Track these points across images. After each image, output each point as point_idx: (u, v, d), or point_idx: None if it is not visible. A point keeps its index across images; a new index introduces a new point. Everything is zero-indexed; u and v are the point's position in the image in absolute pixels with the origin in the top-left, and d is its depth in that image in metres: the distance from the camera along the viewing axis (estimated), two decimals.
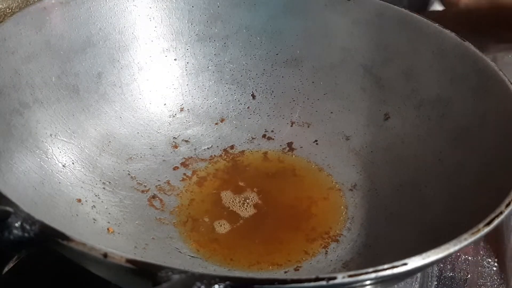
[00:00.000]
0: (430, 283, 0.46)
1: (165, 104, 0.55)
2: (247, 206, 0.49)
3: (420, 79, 0.51)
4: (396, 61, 0.52)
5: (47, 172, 0.44)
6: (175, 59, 0.56)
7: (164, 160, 0.53)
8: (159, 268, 0.27)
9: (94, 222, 0.44)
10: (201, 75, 0.57)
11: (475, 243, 0.49)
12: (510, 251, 0.49)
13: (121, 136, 0.52)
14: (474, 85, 0.46)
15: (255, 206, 0.49)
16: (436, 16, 0.61)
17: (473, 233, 0.31)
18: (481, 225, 0.32)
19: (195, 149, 0.54)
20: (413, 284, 0.46)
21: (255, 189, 0.50)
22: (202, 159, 0.54)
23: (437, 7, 0.83)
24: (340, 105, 0.56)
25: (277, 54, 0.57)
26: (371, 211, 0.49)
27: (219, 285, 0.26)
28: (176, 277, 0.26)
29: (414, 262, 0.29)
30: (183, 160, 0.53)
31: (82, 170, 0.47)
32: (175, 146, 0.54)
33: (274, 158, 0.54)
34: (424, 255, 0.29)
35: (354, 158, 0.53)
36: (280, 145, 0.56)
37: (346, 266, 0.44)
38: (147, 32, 0.54)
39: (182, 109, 0.56)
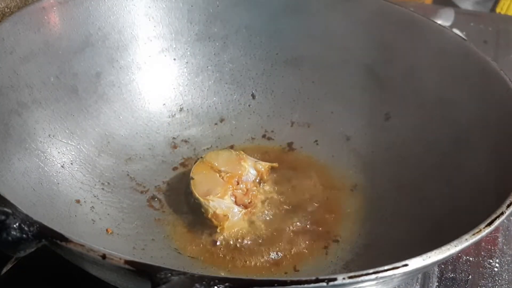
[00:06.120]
0: (431, 284, 0.46)
1: (164, 104, 0.55)
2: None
3: (421, 79, 0.51)
4: (397, 61, 0.52)
5: (46, 172, 0.44)
6: (174, 59, 0.56)
7: (163, 161, 0.52)
8: (158, 269, 0.26)
9: (93, 223, 0.44)
10: (201, 75, 0.57)
11: (476, 244, 0.49)
12: None
13: (120, 137, 0.52)
14: (475, 85, 0.46)
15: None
16: None
17: (474, 234, 0.31)
18: (482, 225, 0.31)
19: (194, 149, 0.54)
20: (414, 285, 0.45)
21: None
22: None
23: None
24: (341, 105, 0.55)
25: (277, 54, 0.57)
26: (371, 212, 0.48)
27: (218, 287, 0.26)
28: (175, 278, 0.26)
29: (415, 263, 0.28)
30: (183, 160, 0.53)
31: (81, 170, 0.47)
32: (175, 147, 0.54)
33: (274, 158, 0.54)
34: (425, 256, 0.29)
35: (354, 158, 0.53)
36: (280, 145, 0.55)
37: (346, 267, 0.44)
38: (146, 32, 0.54)
39: (181, 109, 0.56)
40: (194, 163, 0.49)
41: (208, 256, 0.44)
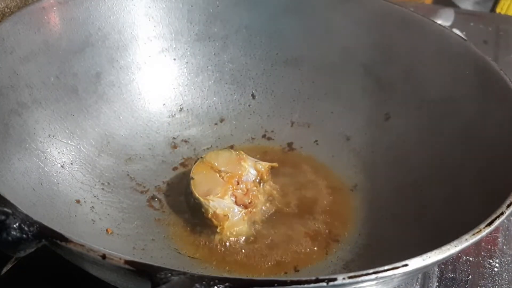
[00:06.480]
0: (431, 284, 0.46)
1: (164, 104, 0.55)
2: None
3: (421, 79, 0.51)
4: (397, 61, 0.52)
5: (46, 173, 0.44)
6: (174, 59, 0.56)
7: (163, 161, 0.52)
8: (158, 269, 0.26)
9: (93, 223, 0.44)
10: (201, 75, 0.57)
11: (476, 244, 0.49)
12: None
13: (120, 137, 0.52)
14: (474, 85, 0.46)
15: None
16: None
17: (474, 234, 0.31)
18: (482, 225, 0.31)
19: (194, 150, 0.54)
20: (414, 285, 0.45)
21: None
22: None
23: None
24: (341, 105, 0.55)
25: (277, 54, 0.57)
26: (371, 212, 0.48)
27: (218, 287, 0.26)
28: (175, 278, 0.26)
29: (415, 263, 0.28)
30: (183, 160, 0.53)
31: (81, 170, 0.47)
32: (175, 147, 0.54)
33: (274, 158, 0.54)
34: (424, 256, 0.29)
35: (354, 158, 0.53)
36: (280, 145, 0.55)
37: (346, 267, 0.44)
38: (146, 32, 0.54)
39: (181, 109, 0.56)
40: (194, 163, 0.49)
41: (208, 256, 0.44)
